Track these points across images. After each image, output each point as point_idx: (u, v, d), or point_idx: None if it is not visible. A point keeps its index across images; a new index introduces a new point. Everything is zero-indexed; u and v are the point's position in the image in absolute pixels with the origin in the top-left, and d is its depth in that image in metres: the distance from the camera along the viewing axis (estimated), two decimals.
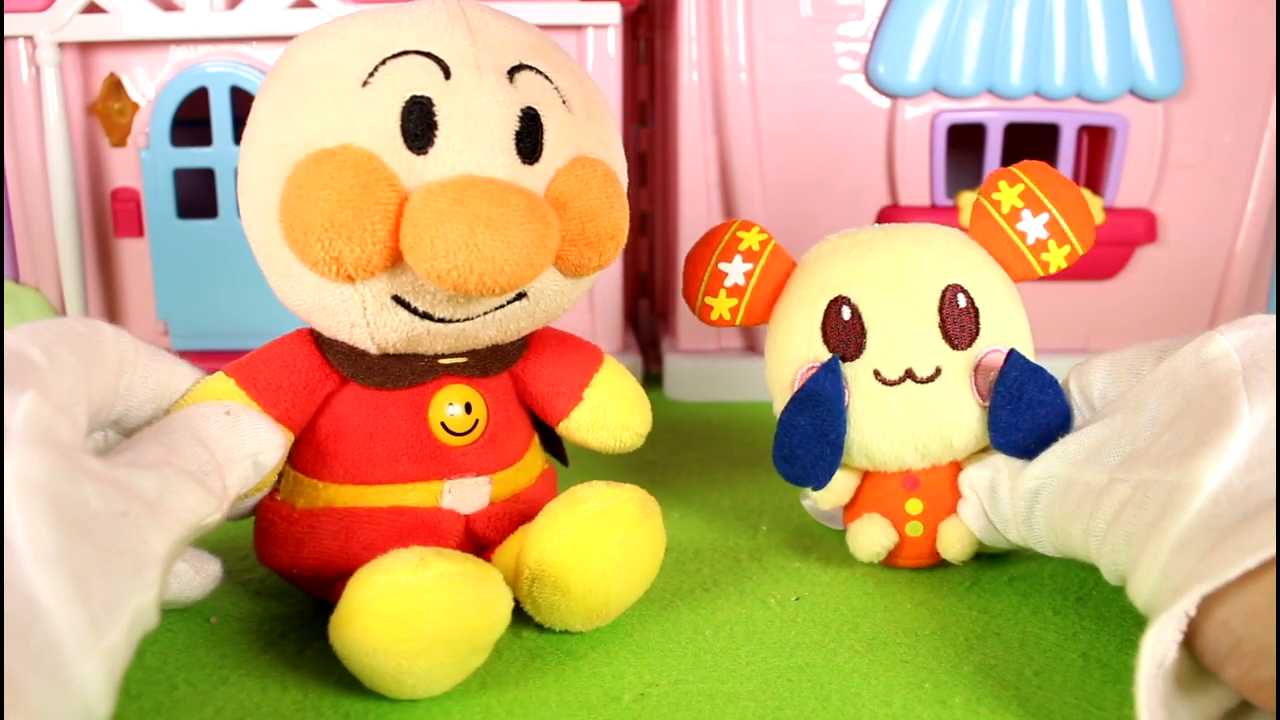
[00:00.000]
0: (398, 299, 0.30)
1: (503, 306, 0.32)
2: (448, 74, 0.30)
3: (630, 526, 0.32)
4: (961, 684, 0.30)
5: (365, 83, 0.29)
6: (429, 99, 0.29)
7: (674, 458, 0.50)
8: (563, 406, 0.36)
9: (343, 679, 0.30)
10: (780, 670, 0.31)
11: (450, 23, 0.31)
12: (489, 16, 0.32)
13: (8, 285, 0.57)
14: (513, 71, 0.31)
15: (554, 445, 0.39)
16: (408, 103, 0.29)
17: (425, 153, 0.29)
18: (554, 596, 0.31)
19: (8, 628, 0.20)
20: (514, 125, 0.30)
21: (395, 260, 0.29)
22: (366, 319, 0.31)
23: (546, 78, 0.32)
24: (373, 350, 0.32)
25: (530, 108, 0.30)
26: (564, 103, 0.32)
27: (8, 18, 0.53)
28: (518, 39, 0.32)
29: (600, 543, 0.31)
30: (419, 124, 0.29)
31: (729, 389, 0.61)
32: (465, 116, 0.29)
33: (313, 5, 0.54)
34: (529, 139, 0.30)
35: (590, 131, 0.32)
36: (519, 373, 0.36)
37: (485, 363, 0.35)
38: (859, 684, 0.30)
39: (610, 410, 0.37)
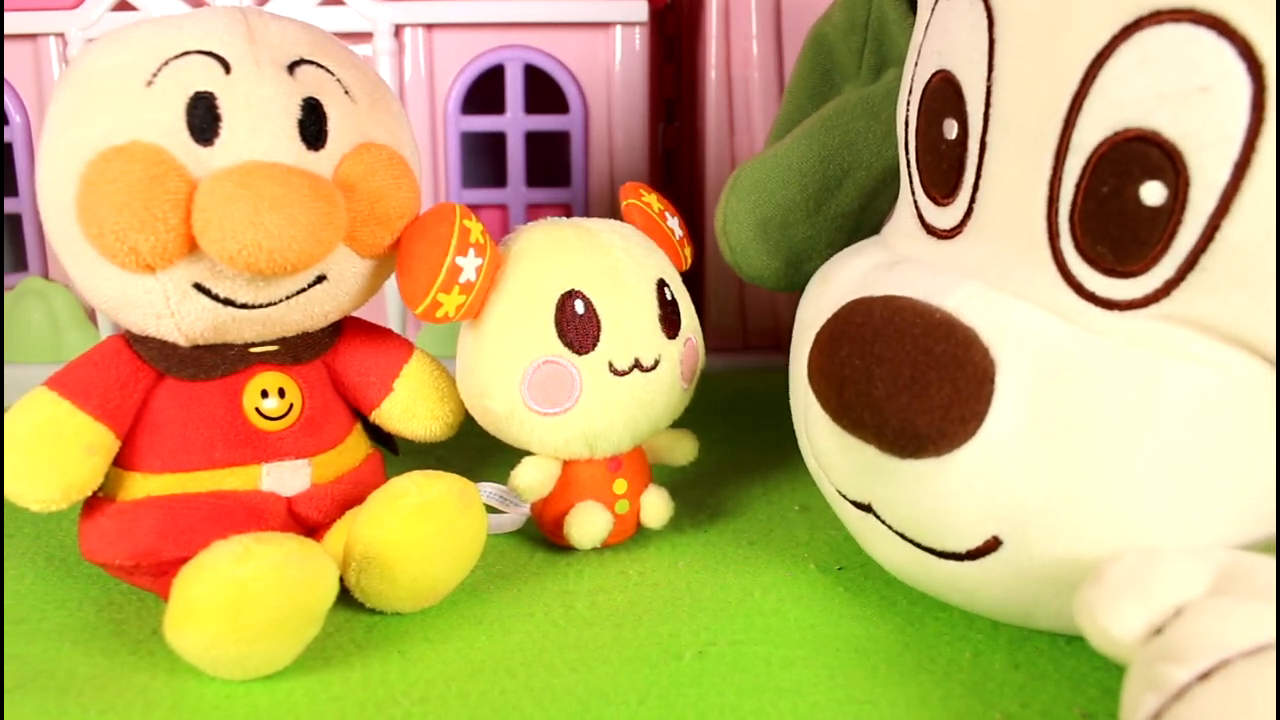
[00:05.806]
0: (199, 286, 0.32)
1: (304, 290, 0.33)
2: (228, 69, 0.31)
3: (450, 517, 0.33)
4: (1000, 649, 0.32)
5: (149, 83, 0.31)
6: (211, 93, 0.31)
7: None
8: (374, 396, 0.38)
9: (352, 675, 0.30)
10: (828, 639, 0.32)
11: (229, 24, 0.33)
12: (269, 19, 0.34)
13: (37, 282, 0.58)
14: (293, 66, 0.32)
15: (383, 437, 0.40)
16: (191, 98, 0.31)
17: (211, 144, 0.31)
18: (381, 585, 0.33)
19: None
20: (296, 114, 0.32)
21: (191, 248, 0.31)
22: (170, 309, 0.32)
23: (328, 71, 0.33)
24: (182, 342, 0.34)
25: (311, 98, 0.32)
26: (346, 93, 0.33)
27: (39, 16, 0.54)
28: (298, 37, 0.34)
29: (423, 534, 0.32)
30: (203, 117, 0.31)
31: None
32: (246, 108, 0.31)
33: (342, 3, 0.54)
34: (312, 127, 0.32)
35: (375, 119, 0.34)
36: (331, 362, 0.37)
37: (296, 350, 0.36)
38: (900, 653, 0.32)
39: (421, 401, 0.38)
